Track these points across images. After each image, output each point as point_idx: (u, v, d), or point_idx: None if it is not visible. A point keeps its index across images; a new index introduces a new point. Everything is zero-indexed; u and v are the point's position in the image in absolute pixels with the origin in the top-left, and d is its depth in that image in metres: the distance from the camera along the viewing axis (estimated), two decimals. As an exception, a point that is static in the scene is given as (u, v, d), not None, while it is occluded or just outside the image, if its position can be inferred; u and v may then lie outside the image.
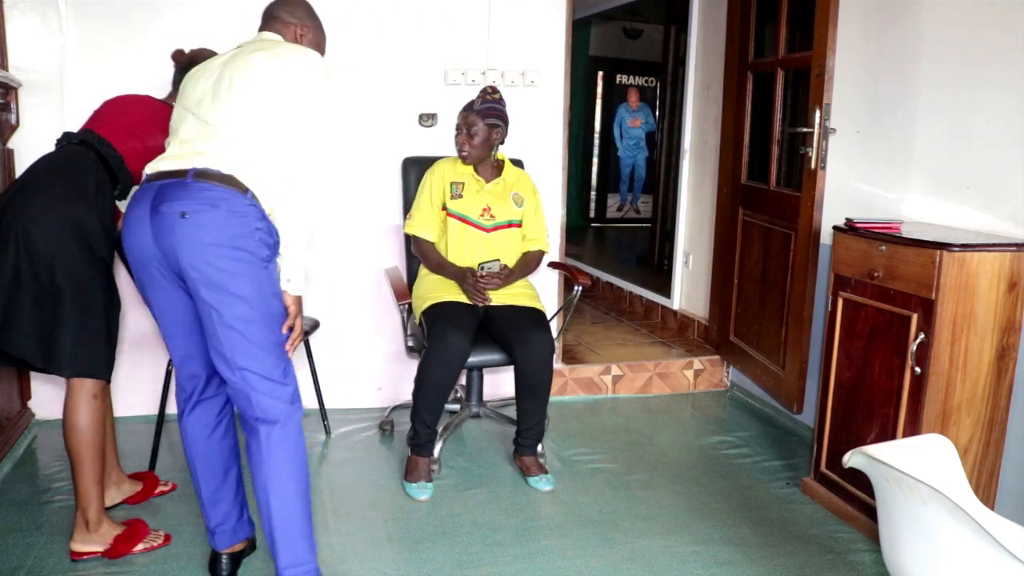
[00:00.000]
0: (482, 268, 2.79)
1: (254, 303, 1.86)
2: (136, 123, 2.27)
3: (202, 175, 1.85)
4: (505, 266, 2.84)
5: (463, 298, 2.78)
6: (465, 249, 2.86)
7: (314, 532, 2.01)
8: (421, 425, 2.68)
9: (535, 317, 2.76)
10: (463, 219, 2.86)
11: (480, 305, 2.78)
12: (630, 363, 3.74)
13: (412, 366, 3.29)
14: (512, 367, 2.74)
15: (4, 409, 2.81)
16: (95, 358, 2.12)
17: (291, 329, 1.96)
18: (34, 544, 2.27)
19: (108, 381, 2.20)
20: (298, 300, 1.96)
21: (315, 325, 3.09)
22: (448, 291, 2.80)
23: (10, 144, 2.91)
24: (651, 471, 2.90)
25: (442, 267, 2.87)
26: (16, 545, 2.26)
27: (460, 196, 2.86)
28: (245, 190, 1.86)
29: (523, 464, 2.82)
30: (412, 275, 3.06)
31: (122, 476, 2.53)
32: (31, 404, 3.11)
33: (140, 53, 3.00)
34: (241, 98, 1.89)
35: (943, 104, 2.61)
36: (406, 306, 2.85)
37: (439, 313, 2.69)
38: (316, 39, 2.17)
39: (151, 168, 1.93)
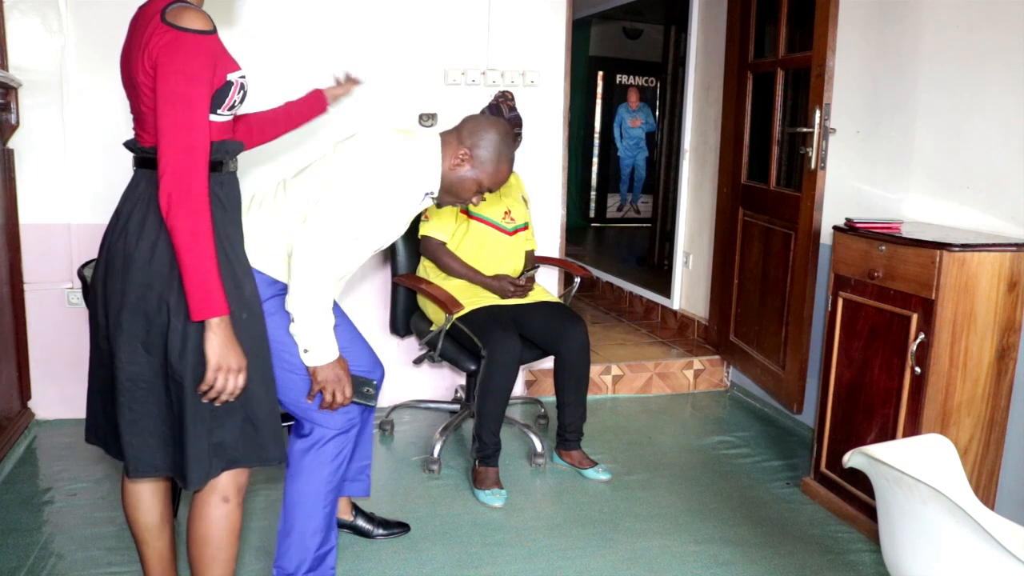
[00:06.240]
0: (521, 276, 2.86)
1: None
2: None
3: None
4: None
5: (494, 300, 2.78)
6: (491, 253, 2.83)
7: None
8: (488, 436, 2.66)
9: (565, 310, 2.82)
10: (488, 222, 2.83)
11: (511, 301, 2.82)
12: (630, 363, 3.74)
13: (412, 366, 3.28)
14: (520, 366, 2.74)
15: (4, 409, 2.81)
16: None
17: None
18: (34, 544, 2.27)
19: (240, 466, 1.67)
20: (318, 371, 1.83)
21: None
22: (478, 295, 2.78)
23: (10, 144, 2.91)
24: (651, 471, 2.90)
25: (471, 276, 2.79)
26: (16, 545, 2.26)
27: (482, 199, 2.84)
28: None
29: (573, 459, 2.87)
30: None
31: None
32: (31, 404, 3.10)
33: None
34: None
35: (943, 104, 2.61)
36: (450, 317, 2.64)
37: (485, 319, 2.66)
38: (476, 173, 2.03)
39: None
